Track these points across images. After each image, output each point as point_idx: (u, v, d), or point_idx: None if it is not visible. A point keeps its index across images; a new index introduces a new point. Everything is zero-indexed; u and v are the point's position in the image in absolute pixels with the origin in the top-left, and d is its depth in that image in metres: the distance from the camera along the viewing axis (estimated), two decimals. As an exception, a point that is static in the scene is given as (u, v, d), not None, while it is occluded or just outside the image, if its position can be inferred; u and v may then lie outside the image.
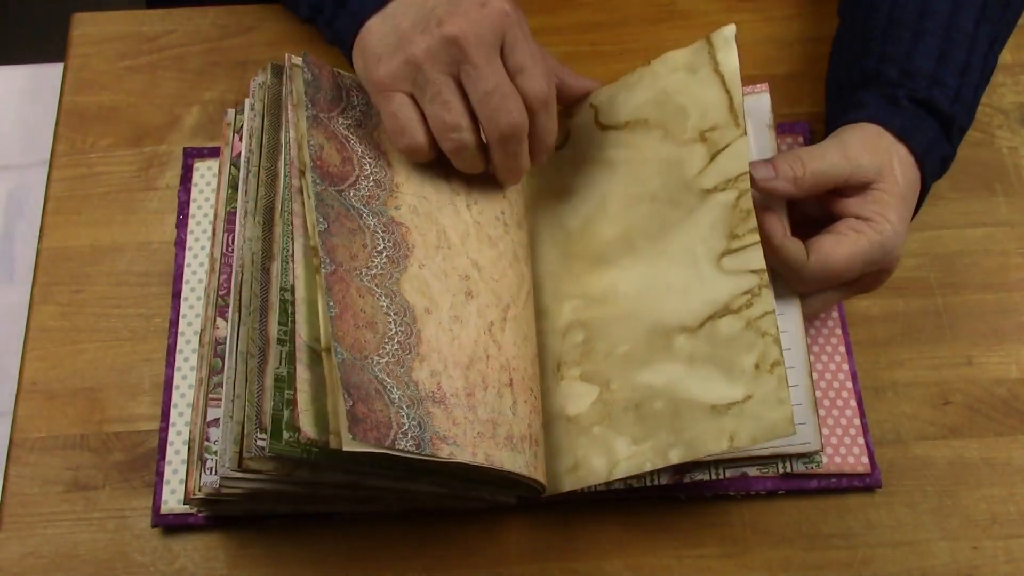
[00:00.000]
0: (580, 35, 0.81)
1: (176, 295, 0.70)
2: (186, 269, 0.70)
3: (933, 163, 0.64)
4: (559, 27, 0.81)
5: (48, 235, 0.73)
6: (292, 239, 0.58)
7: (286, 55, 0.64)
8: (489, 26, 0.58)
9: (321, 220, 0.57)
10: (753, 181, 0.61)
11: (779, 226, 0.61)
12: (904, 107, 0.64)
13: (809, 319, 0.68)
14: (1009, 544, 0.65)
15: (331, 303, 0.55)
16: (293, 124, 0.61)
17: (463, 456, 0.55)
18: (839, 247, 0.61)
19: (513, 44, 0.59)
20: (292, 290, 0.57)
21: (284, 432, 0.54)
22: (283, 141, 0.62)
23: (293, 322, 0.56)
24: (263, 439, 0.54)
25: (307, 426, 0.53)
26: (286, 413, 0.54)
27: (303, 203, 0.59)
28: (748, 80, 0.78)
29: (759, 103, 0.67)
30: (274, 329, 0.57)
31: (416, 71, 0.59)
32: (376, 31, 0.61)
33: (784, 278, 0.62)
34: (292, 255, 0.57)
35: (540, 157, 0.63)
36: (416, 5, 0.60)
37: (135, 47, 0.80)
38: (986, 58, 0.67)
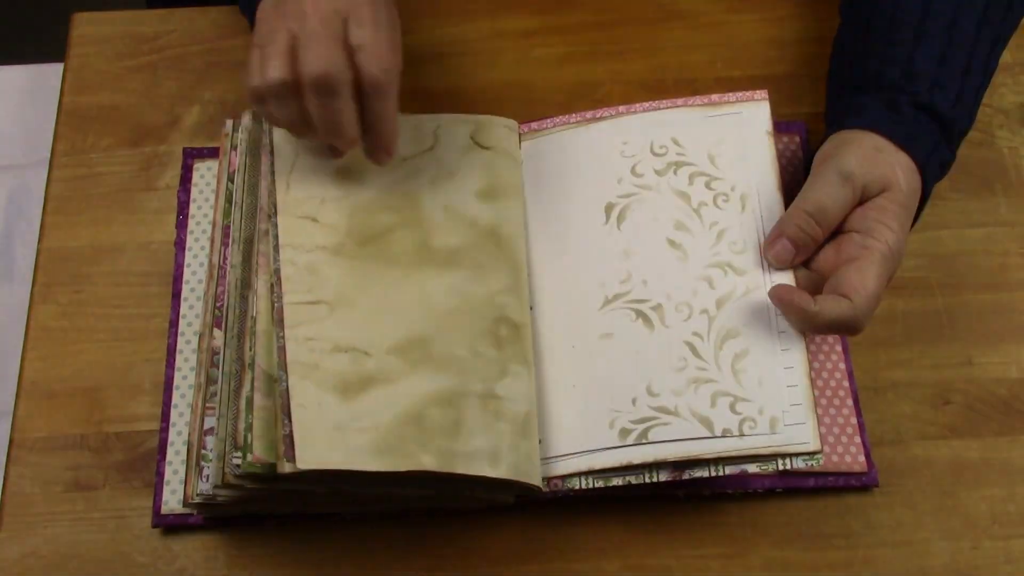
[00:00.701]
0: (580, 35, 0.81)
1: (176, 295, 0.70)
2: (186, 269, 0.70)
3: (933, 169, 0.64)
4: (559, 27, 0.81)
5: (48, 235, 0.73)
6: (258, 276, 0.61)
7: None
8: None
9: (276, 259, 0.61)
10: (771, 261, 0.62)
11: (805, 299, 0.59)
12: (905, 114, 0.64)
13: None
14: (1009, 544, 0.65)
15: (280, 334, 0.59)
16: (264, 173, 0.65)
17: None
18: (866, 272, 0.59)
19: (359, 21, 0.58)
20: (255, 322, 0.60)
21: (248, 454, 0.57)
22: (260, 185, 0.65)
23: (254, 352, 0.60)
24: (237, 457, 0.57)
25: (259, 451, 0.57)
26: (249, 436, 0.57)
27: (268, 243, 0.62)
28: (747, 81, 0.79)
29: (758, 111, 0.67)
30: (247, 355, 0.60)
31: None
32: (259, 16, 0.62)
33: (839, 334, 0.62)
34: (256, 291, 0.61)
35: (379, 153, 0.61)
36: None
37: (135, 47, 0.80)
38: (988, 60, 0.67)
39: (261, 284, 0.61)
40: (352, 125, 0.59)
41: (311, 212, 0.64)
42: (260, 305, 0.61)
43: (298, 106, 0.59)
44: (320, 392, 0.58)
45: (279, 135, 0.66)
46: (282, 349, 0.59)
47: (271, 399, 0.58)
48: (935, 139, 0.64)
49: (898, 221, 0.61)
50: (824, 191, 0.61)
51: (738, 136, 0.67)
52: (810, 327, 0.60)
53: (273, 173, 0.65)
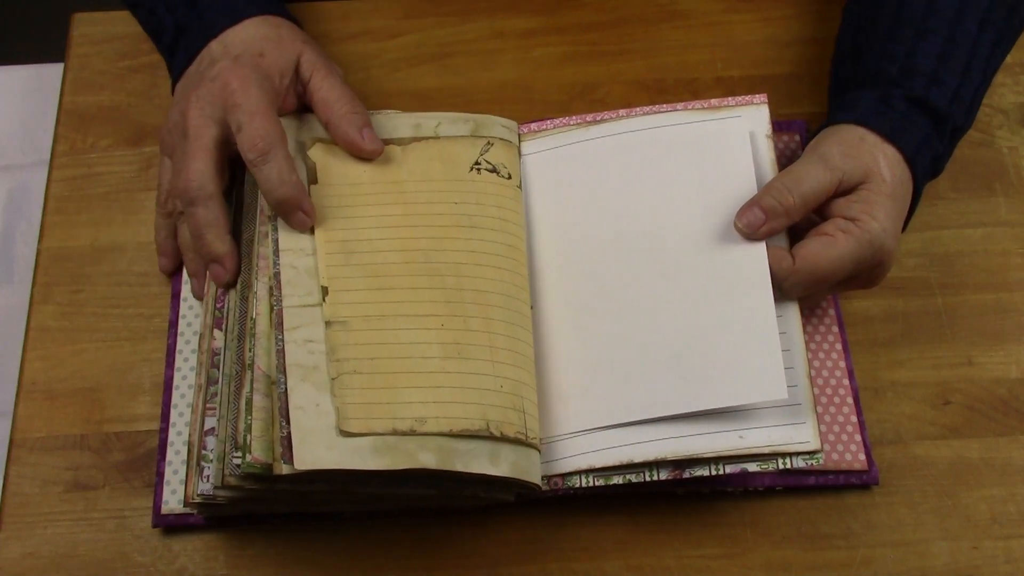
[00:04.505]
0: (580, 35, 0.81)
1: (176, 295, 0.70)
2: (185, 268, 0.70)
3: (924, 163, 0.64)
4: (559, 27, 0.81)
5: (48, 235, 0.73)
6: (257, 278, 0.61)
7: None
8: (212, 98, 0.62)
9: (276, 262, 0.61)
10: (741, 229, 0.63)
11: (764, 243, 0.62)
12: (896, 107, 0.64)
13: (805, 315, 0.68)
14: (1009, 544, 0.65)
15: (279, 336, 0.59)
16: None
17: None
18: (827, 250, 0.61)
19: (232, 108, 0.61)
20: (255, 323, 0.60)
21: (247, 455, 0.57)
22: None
23: (254, 352, 0.60)
24: (237, 457, 0.57)
25: (257, 451, 0.57)
26: (248, 437, 0.57)
27: (268, 246, 0.62)
28: (747, 81, 0.79)
29: (758, 113, 0.68)
30: (248, 356, 0.60)
31: (165, 139, 0.68)
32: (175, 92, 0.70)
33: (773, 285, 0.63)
34: (256, 292, 0.61)
35: (289, 218, 0.62)
36: (193, 73, 0.68)
37: (135, 47, 0.80)
38: (988, 61, 0.67)
39: (261, 287, 0.61)
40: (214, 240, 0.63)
41: None
42: (260, 307, 0.61)
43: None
44: (319, 393, 0.58)
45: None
46: (280, 352, 0.59)
47: (270, 400, 0.58)
48: (926, 133, 0.64)
49: (884, 211, 0.62)
50: (802, 168, 0.63)
51: (738, 140, 0.67)
52: None
53: None
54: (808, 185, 0.62)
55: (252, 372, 0.59)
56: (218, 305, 0.64)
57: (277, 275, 0.61)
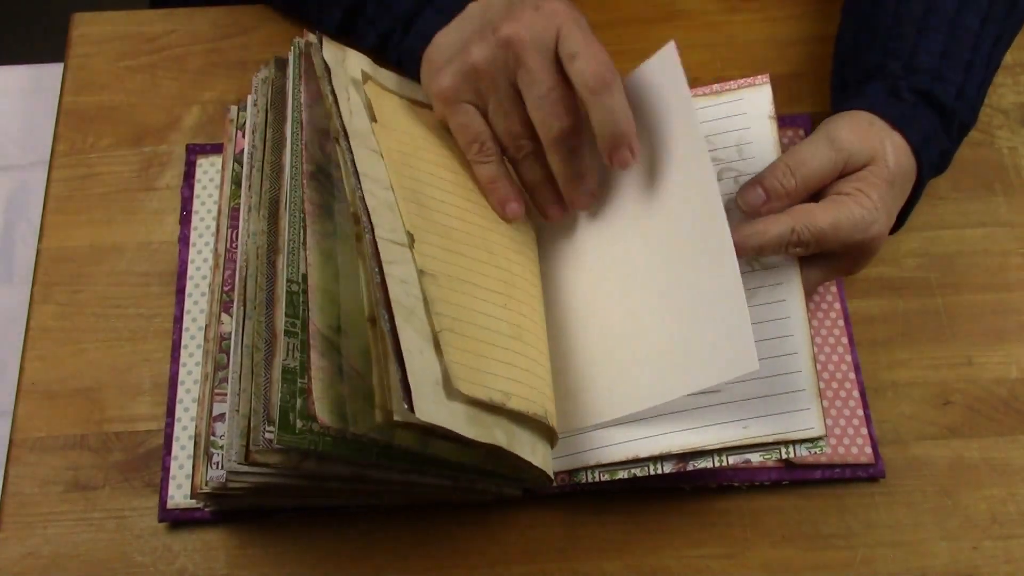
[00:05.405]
0: (580, 35, 0.81)
1: (180, 291, 0.70)
2: (190, 265, 0.70)
3: (931, 155, 0.65)
4: (559, 27, 0.81)
5: (48, 235, 0.73)
6: (304, 228, 0.57)
7: (294, 39, 0.65)
8: (543, 27, 0.59)
9: (359, 186, 0.57)
10: (741, 208, 0.62)
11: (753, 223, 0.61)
12: (905, 99, 0.65)
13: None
14: (1009, 544, 0.65)
15: (376, 269, 0.54)
16: (305, 105, 0.61)
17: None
18: (825, 205, 0.61)
19: (566, 37, 0.59)
20: (304, 279, 0.56)
21: (297, 421, 0.53)
22: (287, 135, 0.62)
23: (306, 311, 0.55)
24: (271, 431, 0.53)
25: (323, 413, 0.52)
26: (299, 402, 0.53)
27: (316, 188, 0.58)
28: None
29: (760, 94, 0.68)
30: (281, 322, 0.56)
31: (477, 79, 0.61)
32: (441, 43, 0.63)
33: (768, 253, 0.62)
34: (304, 243, 0.57)
35: (617, 153, 0.60)
36: (478, 15, 0.62)
37: (135, 47, 0.80)
38: (990, 57, 0.67)
39: (310, 236, 0.56)
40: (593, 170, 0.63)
41: (376, 148, 0.61)
42: (311, 258, 0.55)
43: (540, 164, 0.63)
44: (421, 340, 0.53)
45: (330, 53, 0.63)
46: (381, 285, 0.53)
47: (328, 359, 0.53)
48: (933, 125, 0.65)
49: (878, 193, 0.62)
50: (807, 148, 0.63)
51: (740, 122, 0.67)
52: (752, 245, 0.61)
53: (334, 94, 0.61)
54: (811, 167, 0.62)
55: (303, 333, 0.54)
56: (225, 289, 0.63)
57: (362, 199, 0.56)
